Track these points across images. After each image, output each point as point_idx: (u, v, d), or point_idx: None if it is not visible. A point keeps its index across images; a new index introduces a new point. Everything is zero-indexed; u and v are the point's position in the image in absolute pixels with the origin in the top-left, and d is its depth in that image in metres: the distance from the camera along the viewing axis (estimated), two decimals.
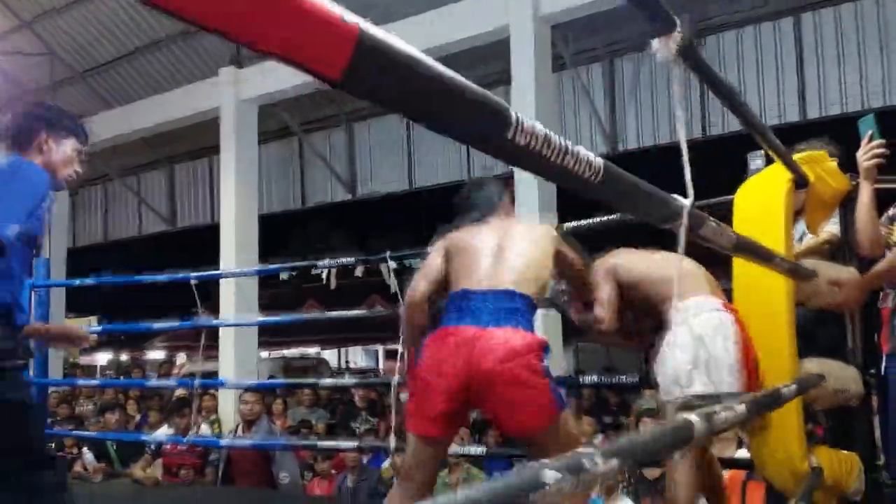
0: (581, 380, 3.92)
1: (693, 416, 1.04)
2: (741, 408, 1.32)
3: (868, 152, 2.47)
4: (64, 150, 2.13)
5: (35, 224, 1.98)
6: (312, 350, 17.21)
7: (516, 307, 2.10)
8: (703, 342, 2.17)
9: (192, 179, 11.13)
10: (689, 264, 2.27)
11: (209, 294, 7.67)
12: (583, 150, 0.82)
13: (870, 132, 2.50)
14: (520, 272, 2.20)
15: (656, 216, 1.12)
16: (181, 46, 9.09)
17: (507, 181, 2.63)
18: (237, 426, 4.86)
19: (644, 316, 2.49)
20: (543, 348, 2.09)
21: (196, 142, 10.29)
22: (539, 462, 0.65)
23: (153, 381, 5.56)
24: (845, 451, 2.58)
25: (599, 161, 0.86)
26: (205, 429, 5.28)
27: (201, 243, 9.28)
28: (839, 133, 2.99)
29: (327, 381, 5.78)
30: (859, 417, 2.63)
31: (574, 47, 7.62)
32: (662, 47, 1.23)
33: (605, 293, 2.41)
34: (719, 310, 2.26)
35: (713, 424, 1.13)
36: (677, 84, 1.30)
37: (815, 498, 2.34)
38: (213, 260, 7.89)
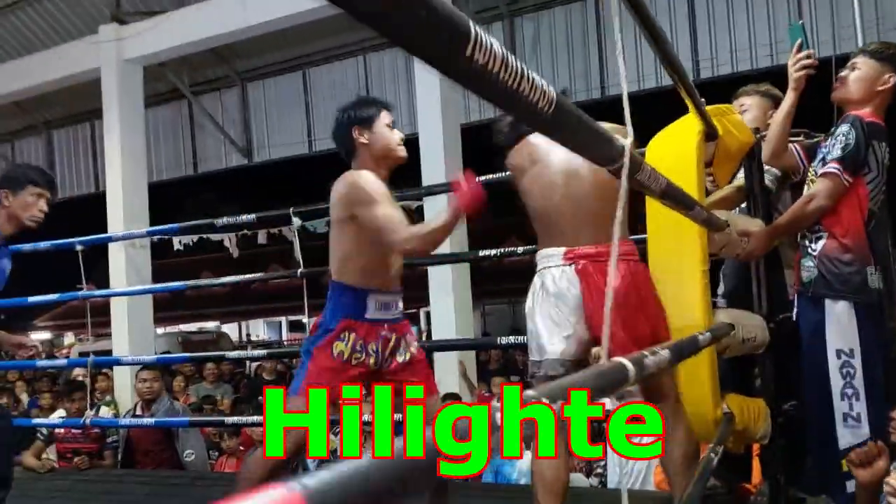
0: (499, 341, 3.86)
1: (625, 360, 1.07)
2: (665, 353, 1.35)
3: (797, 62, 2.46)
4: (22, 200, 2.61)
5: None
6: (211, 324, 16.67)
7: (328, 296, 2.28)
8: (536, 307, 2.09)
9: (73, 146, 10.39)
10: (546, 203, 2.14)
11: (97, 270, 7.19)
12: (538, 78, 0.75)
13: (799, 41, 2.47)
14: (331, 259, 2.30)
15: (599, 155, 1.08)
16: (57, 1, 8.36)
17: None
18: (135, 406, 4.58)
19: None
20: (314, 331, 2.27)
21: (76, 105, 9.58)
22: None
23: (43, 362, 5.12)
24: (752, 398, 2.67)
25: (553, 91, 0.79)
26: (102, 411, 4.96)
27: (86, 215, 8.67)
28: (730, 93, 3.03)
29: (233, 353, 5.54)
30: (764, 364, 2.73)
31: (475, 6, 7.53)
32: None
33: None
34: (560, 265, 2.08)
35: (643, 368, 1.15)
36: (616, 19, 1.24)
37: (727, 443, 2.40)
38: (99, 234, 7.39)
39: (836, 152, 2.32)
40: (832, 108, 2.59)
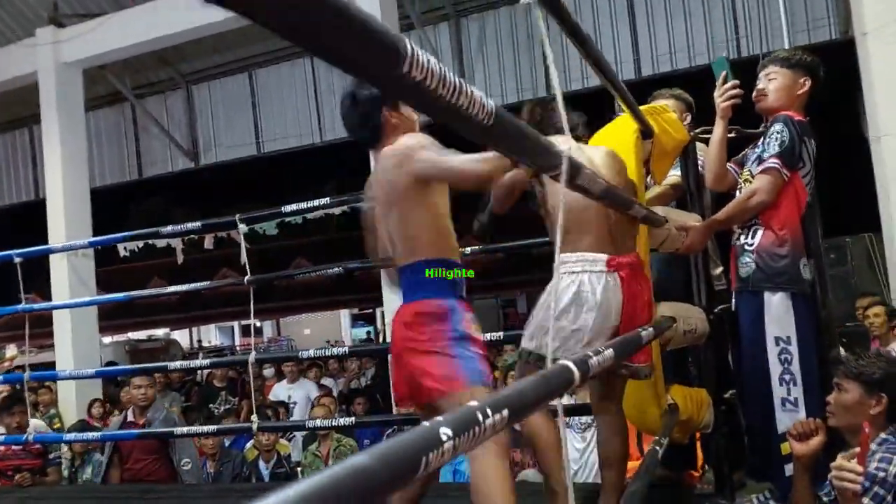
0: None
1: (569, 363, 1.09)
2: (609, 352, 1.38)
3: (724, 93, 2.57)
4: None
5: None
6: (161, 331, 16.33)
7: (415, 280, 2.02)
8: (572, 309, 2.04)
9: (11, 152, 10.07)
10: (584, 205, 1.99)
11: (39, 279, 6.98)
12: (476, 91, 0.77)
13: (723, 73, 2.61)
14: (406, 237, 2.03)
15: (540, 163, 1.11)
16: None
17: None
18: (125, 413, 4.50)
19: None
20: (427, 314, 1.99)
21: (13, 111, 9.30)
22: (432, 420, 0.64)
23: None
24: (695, 388, 2.74)
25: (491, 104, 0.81)
26: (39, 424, 4.81)
27: (25, 223, 8.43)
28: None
29: (177, 364, 5.45)
30: (705, 354, 2.80)
31: (421, 7, 7.54)
32: None
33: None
34: (603, 271, 2.07)
35: (588, 368, 1.18)
36: (543, 31, 1.27)
37: (672, 434, 2.46)
38: (41, 242, 7.17)
39: (774, 148, 2.41)
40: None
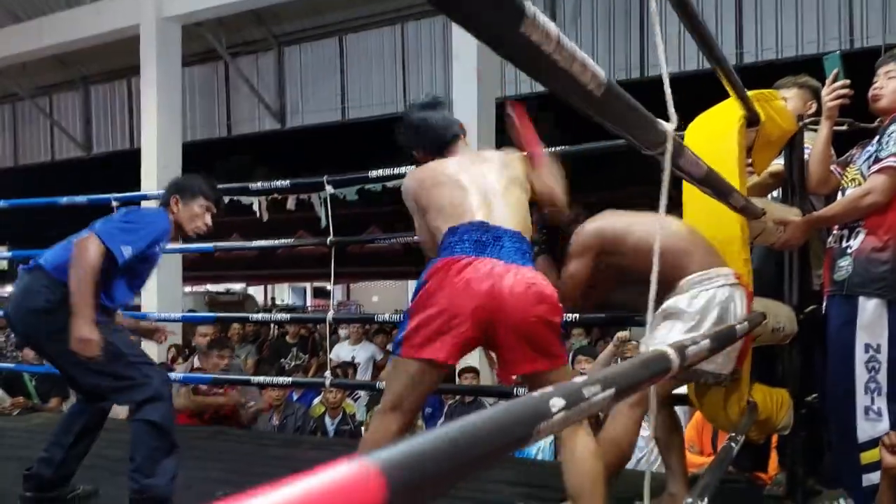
0: None
1: (668, 350, 1.08)
2: (706, 343, 1.36)
3: (832, 92, 2.46)
4: (190, 209, 2.74)
5: (149, 252, 2.61)
6: (238, 286, 16.88)
7: (528, 250, 2.04)
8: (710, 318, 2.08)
9: (110, 102, 10.50)
10: (690, 232, 2.22)
11: None
12: (589, 60, 0.76)
13: (835, 71, 2.49)
14: (521, 214, 2.07)
15: (644, 140, 1.08)
16: None
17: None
18: (191, 357, 4.77)
19: (612, 284, 2.38)
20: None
21: (114, 61, 9.67)
22: (542, 391, 0.65)
23: None
24: (777, 388, 2.65)
25: (603, 74, 0.80)
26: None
27: (120, 171, 8.80)
28: (774, 79, 2.96)
29: (258, 316, 5.62)
30: (790, 355, 2.70)
31: None
32: None
33: (573, 268, 2.25)
34: (734, 284, 2.14)
35: (685, 357, 1.17)
36: (654, 9, 1.23)
37: (749, 432, 2.39)
38: (133, 189, 7.47)
39: (893, 148, 2.27)
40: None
